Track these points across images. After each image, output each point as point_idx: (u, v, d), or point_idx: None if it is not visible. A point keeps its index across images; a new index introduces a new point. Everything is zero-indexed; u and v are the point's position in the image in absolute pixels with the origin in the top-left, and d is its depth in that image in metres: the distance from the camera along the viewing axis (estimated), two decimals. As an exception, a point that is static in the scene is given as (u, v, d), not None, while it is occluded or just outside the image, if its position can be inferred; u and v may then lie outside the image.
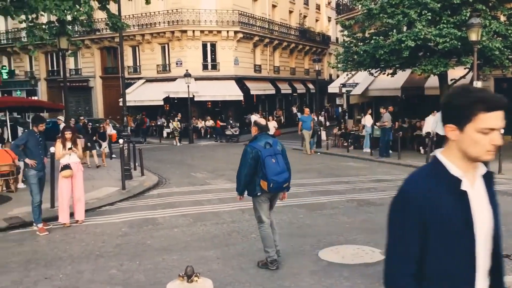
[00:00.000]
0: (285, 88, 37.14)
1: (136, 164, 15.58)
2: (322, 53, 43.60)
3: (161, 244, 7.60)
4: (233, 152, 22.00)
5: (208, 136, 29.31)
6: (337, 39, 48.75)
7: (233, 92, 29.87)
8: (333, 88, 30.94)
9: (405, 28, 17.03)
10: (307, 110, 21.89)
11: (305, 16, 42.34)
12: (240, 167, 6.16)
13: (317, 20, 45.58)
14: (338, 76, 38.63)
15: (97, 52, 34.76)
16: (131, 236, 8.17)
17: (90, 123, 20.94)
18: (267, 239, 6.25)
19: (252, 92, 32.44)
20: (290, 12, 39.79)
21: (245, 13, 31.60)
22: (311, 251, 7.08)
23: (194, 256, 6.91)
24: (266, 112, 34.14)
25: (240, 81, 31.06)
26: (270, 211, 6.43)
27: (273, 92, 35.25)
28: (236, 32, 30.72)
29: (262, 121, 6.76)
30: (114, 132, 21.74)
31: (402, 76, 21.27)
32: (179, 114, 28.16)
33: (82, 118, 19.77)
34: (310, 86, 40.73)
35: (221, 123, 29.00)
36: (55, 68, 37.38)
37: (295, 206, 10.09)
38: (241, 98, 30.17)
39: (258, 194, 6.13)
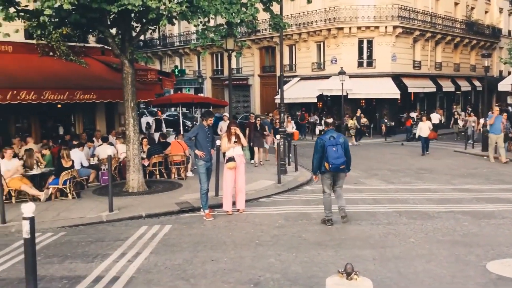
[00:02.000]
0: (447, 86, 34.60)
1: (290, 160, 16.00)
2: (491, 47, 39.61)
3: (316, 239, 7.71)
4: (389, 151, 21.28)
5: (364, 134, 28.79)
6: (509, 32, 43.85)
7: (389, 90, 28.82)
8: (504, 85, 27.88)
9: None
10: (496, 109, 17.80)
11: (472, 8, 38.87)
12: (314, 153, 8.52)
13: (486, 12, 41.49)
14: (509, 73, 34.79)
15: (256, 51, 36.37)
16: (287, 228, 8.45)
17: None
18: (326, 204, 8.66)
19: (410, 90, 30.91)
20: (456, 4, 36.88)
21: (405, 7, 30.22)
22: (478, 262, 6.52)
23: (349, 254, 6.88)
24: (424, 111, 32.19)
25: (397, 78, 29.82)
26: (336, 187, 8.68)
27: (434, 89, 33.10)
28: (395, 27, 29.56)
29: (330, 121, 9.39)
30: (294, 130, 21.49)
31: None
32: (358, 110, 27.81)
33: (270, 114, 19.73)
34: (476, 83, 37.29)
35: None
36: (219, 68, 40.13)
37: (459, 213, 9.38)
38: (398, 96, 28.95)
39: (323, 172, 8.42)
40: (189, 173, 14.22)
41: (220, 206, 9.95)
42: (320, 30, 30.84)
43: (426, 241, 7.52)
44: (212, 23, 12.82)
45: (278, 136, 14.29)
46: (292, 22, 30.64)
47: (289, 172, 14.55)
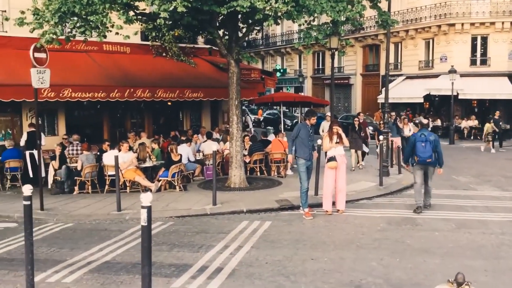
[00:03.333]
0: None
1: (393, 162, 15.40)
2: None
3: (421, 246, 7.37)
4: (503, 156, 19.66)
5: (472, 137, 26.90)
6: None
7: (505, 90, 26.59)
8: None
9: None
10: None
11: None
12: (406, 147, 10.64)
13: None
14: None
15: (359, 50, 35.54)
16: (389, 232, 8.18)
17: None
18: (416, 193, 9.76)
19: (529, 90, 28.26)
20: None
21: (526, 1, 27.70)
22: None
23: (457, 263, 6.48)
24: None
25: (514, 77, 27.44)
26: (429, 180, 9.78)
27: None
28: (513, 23, 27.22)
29: (425, 121, 10.86)
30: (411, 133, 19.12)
31: None
32: (497, 112, 23.76)
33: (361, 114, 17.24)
34: None
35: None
36: (320, 67, 39.80)
37: None
38: (515, 96, 26.63)
39: (413, 164, 9.73)
40: (289, 172, 14.33)
41: (319, 205, 9.92)
42: (429, 27, 29.34)
43: (548, 256, 6.86)
44: (315, 21, 12.76)
45: (381, 137, 13.86)
46: (399, 18, 29.46)
47: (392, 174, 14.06)
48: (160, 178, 12.07)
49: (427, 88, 28.42)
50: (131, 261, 6.76)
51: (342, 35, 15.38)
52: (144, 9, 12.27)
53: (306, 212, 9.36)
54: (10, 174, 12.69)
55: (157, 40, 15.93)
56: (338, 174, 9.61)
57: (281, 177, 13.80)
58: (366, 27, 31.32)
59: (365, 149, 15.76)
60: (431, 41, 30.25)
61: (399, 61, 32.46)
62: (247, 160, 14.07)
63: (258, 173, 14.30)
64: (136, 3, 11.22)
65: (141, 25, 13.37)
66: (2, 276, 6.24)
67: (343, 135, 9.80)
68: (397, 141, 15.62)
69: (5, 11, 13.60)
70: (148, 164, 12.68)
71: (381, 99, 26.71)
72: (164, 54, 16.47)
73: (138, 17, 11.80)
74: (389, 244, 7.46)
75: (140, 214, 4.63)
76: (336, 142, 9.56)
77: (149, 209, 4.51)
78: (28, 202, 5.12)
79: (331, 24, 12.16)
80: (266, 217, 9.47)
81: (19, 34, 12.82)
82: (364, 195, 11.43)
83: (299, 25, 11.00)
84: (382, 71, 31.51)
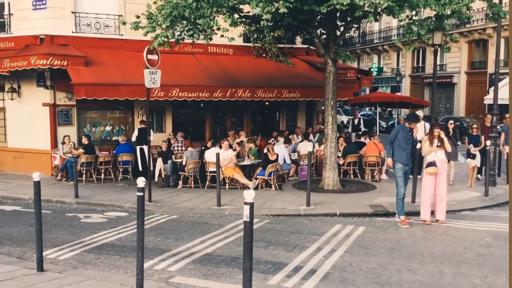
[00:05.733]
0: None
1: (500, 171, 14.31)
2: None
3: (531, 265, 6.86)
4: None
5: None
6: None
7: None
8: None
9: None
10: None
11: None
12: None
13: None
14: None
15: (464, 46, 32.88)
16: (495, 248, 7.69)
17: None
18: None
19: None
20: None
21: None
22: None
23: None
24: None
25: None
26: None
27: None
28: None
29: None
30: None
31: None
32: None
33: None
34: None
35: None
36: (420, 65, 37.64)
37: None
38: None
39: None
40: (384, 176, 13.96)
41: (416, 213, 9.55)
42: (548, 19, 26.62)
43: None
44: (417, 16, 12.17)
45: (488, 142, 12.67)
46: (512, 10, 27.09)
47: (499, 184, 13.09)
48: (257, 177, 12.42)
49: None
50: (231, 255, 7.09)
51: (447, 29, 14.29)
52: (248, 12, 12.69)
53: (402, 220, 9.06)
54: (122, 167, 13.85)
55: (258, 42, 16.34)
56: (438, 181, 9.14)
57: (375, 181, 13.49)
58: (473, 20, 28.88)
59: (461, 159, 13.21)
60: (549, 35, 27.50)
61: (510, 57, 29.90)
62: (341, 162, 13.91)
63: (352, 176, 14.12)
64: (241, 6, 11.64)
65: (245, 27, 13.82)
66: (114, 261, 6.87)
67: (445, 139, 9.25)
68: (506, 148, 14.20)
69: (121, 15, 14.80)
70: (247, 162, 13.10)
71: (488, 99, 24.96)
72: (264, 55, 16.85)
73: (242, 19, 12.23)
74: (494, 261, 7.02)
75: (241, 210, 4.86)
76: (437, 146, 9.07)
77: (251, 205, 4.70)
78: (141, 194, 5.49)
79: (434, 19, 11.41)
80: (359, 222, 9.37)
81: (133, 37, 13.94)
82: (467, 205, 10.79)
83: (400, 20, 10.51)
84: (490, 69, 29.57)
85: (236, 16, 11.74)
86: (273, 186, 12.34)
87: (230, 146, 13.25)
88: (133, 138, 14.25)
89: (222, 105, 15.43)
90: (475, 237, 8.28)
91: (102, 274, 6.24)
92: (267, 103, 16.41)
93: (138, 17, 11.13)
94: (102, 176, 13.70)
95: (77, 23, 14.64)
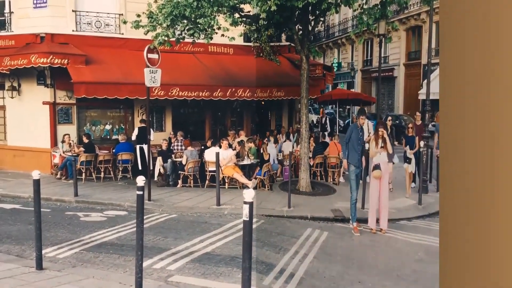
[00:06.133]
0: None
1: (432, 176, 13.12)
2: None
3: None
4: None
5: None
6: None
7: None
8: None
9: None
10: None
11: None
12: None
13: None
14: None
15: (403, 34, 29.49)
16: (426, 264, 7.27)
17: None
18: None
19: None
20: None
21: None
22: None
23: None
24: None
25: None
26: None
27: None
28: None
29: None
30: None
31: None
32: None
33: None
34: None
35: None
36: (369, 58, 34.25)
37: None
38: None
39: None
40: (341, 178, 13.69)
41: (365, 220, 9.17)
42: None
43: None
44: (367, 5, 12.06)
45: (422, 143, 11.78)
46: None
47: (430, 191, 12.07)
48: (257, 176, 12.44)
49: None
50: (230, 254, 7.09)
51: (389, 17, 13.92)
52: (249, 12, 12.69)
53: (354, 227, 8.79)
54: (122, 166, 13.85)
55: (257, 41, 16.32)
56: (381, 186, 8.63)
57: (335, 184, 13.28)
58: (410, 4, 26.34)
59: (395, 159, 11.84)
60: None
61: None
62: (311, 162, 13.42)
63: (319, 178, 13.84)
64: (241, 6, 11.63)
65: (245, 27, 13.82)
66: (113, 260, 6.85)
67: (388, 140, 8.76)
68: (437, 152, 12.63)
69: (122, 14, 14.80)
70: (246, 162, 13.12)
71: (422, 94, 22.45)
72: (261, 54, 16.82)
73: (243, 19, 12.23)
74: (428, 278, 6.67)
75: (240, 210, 4.85)
76: (381, 147, 8.61)
77: (251, 204, 4.70)
78: (141, 192, 5.47)
79: (380, 6, 11.19)
80: (324, 226, 9.30)
81: (133, 36, 13.95)
82: (404, 214, 10.29)
83: (354, 10, 10.59)
84: (424, 59, 26.53)
85: (236, 15, 11.75)
86: (266, 186, 12.37)
87: (230, 146, 13.26)
88: (133, 137, 14.25)
89: (222, 104, 15.43)
90: (410, 251, 7.96)
91: (101, 273, 6.23)
92: (262, 103, 16.42)
93: (138, 16, 11.13)
94: (102, 174, 13.69)
95: (78, 22, 14.65)
